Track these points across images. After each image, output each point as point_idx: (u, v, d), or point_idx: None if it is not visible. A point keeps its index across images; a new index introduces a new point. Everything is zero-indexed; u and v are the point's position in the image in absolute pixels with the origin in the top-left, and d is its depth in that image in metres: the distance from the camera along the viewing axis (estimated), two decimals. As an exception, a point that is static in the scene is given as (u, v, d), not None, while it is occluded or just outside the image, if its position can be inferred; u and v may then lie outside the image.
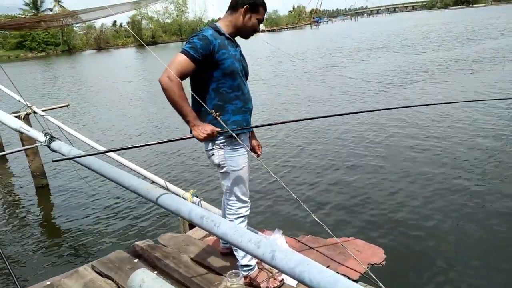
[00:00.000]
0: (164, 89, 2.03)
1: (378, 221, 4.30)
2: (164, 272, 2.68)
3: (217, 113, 2.08)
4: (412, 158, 5.93)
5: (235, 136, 2.07)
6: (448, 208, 4.41)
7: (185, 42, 2.15)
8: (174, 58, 2.07)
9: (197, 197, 3.77)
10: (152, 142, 2.09)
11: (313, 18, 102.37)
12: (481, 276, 3.33)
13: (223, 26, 2.24)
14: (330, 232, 1.61)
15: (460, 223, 4.12)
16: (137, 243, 3.14)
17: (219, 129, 2.11)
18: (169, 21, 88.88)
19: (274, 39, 47.51)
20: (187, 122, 2.09)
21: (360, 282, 2.41)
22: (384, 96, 10.60)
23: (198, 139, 2.09)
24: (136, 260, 2.90)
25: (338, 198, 4.91)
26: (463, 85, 10.84)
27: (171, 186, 4.06)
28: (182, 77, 2.05)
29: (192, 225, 3.61)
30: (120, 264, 2.82)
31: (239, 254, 2.43)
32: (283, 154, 6.67)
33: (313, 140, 7.29)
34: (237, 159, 2.27)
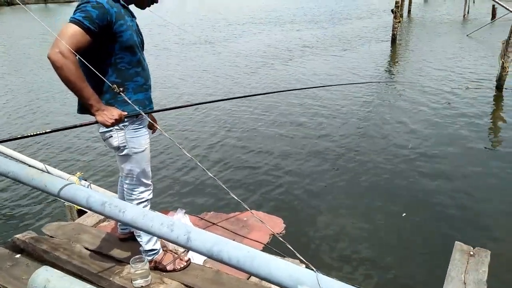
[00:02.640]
0: (56, 68, 1.72)
1: (276, 194, 4.47)
2: (55, 265, 2.41)
3: (121, 89, 1.86)
4: (306, 136, 6.15)
5: (147, 117, 1.92)
6: (337, 179, 4.75)
7: (75, 9, 1.83)
8: (64, 30, 1.76)
9: (85, 180, 3.46)
10: (46, 130, 1.76)
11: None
12: (372, 241, 3.69)
13: None
14: (242, 202, 1.61)
15: (350, 192, 4.49)
16: (17, 236, 2.77)
17: (126, 113, 1.91)
18: (29, -21, 78.01)
19: (155, 7, 45.04)
20: (90, 106, 1.83)
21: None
22: (271, 69, 10.99)
23: (104, 125, 1.87)
24: (18, 256, 2.56)
25: (235, 174, 4.97)
26: (336, 64, 11.84)
27: (52, 170, 3.64)
28: (77, 52, 1.76)
29: (81, 211, 3.31)
30: (-2, 262, 2.46)
31: (142, 239, 2.30)
32: (181, 132, 6.47)
33: (210, 120, 7.12)
34: (139, 140, 2.10)
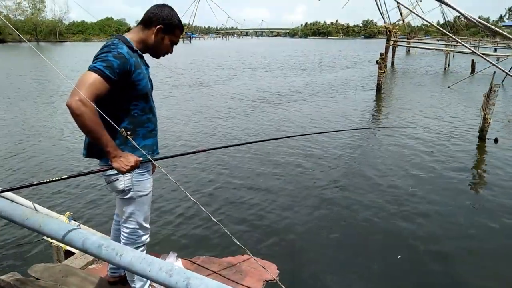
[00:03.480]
0: (76, 116, 1.72)
1: (268, 238, 4.39)
2: (40, 310, 2.32)
3: (128, 132, 1.86)
4: (299, 181, 6.13)
5: (157, 164, 1.92)
6: (331, 223, 4.75)
7: (95, 57, 1.86)
8: (84, 78, 1.77)
9: (75, 220, 3.39)
10: (62, 177, 1.73)
11: (186, 33, 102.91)
12: (362, 274, 3.74)
13: (133, 42, 2.01)
14: (247, 250, 1.61)
15: (343, 239, 4.45)
16: (1, 277, 2.66)
17: (141, 159, 1.91)
18: (22, 18, 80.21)
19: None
20: (107, 152, 1.83)
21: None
22: (263, 113, 11.19)
23: (120, 171, 1.86)
24: (1, 299, 2.45)
25: (228, 218, 4.86)
26: (326, 109, 12.16)
27: (41, 209, 3.56)
28: (96, 100, 1.76)
29: (69, 252, 3.22)
30: (-21, 306, 2.35)
31: (136, 285, 2.24)
32: (175, 174, 6.40)
33: (213, 165, 7.03)
34: (145, 183, 2.11)
